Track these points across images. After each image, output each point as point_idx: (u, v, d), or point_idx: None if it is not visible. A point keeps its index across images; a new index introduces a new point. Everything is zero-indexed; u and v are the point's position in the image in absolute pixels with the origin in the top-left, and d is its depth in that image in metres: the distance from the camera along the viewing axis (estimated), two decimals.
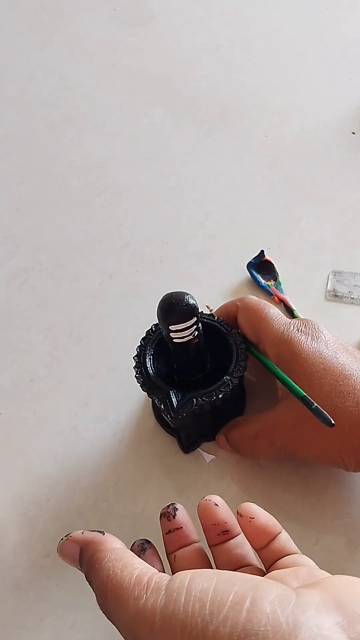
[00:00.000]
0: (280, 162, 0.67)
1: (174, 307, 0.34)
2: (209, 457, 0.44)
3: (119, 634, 0.37)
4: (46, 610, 0.39)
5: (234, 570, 0.29)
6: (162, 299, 0.35)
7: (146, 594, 0.23)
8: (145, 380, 0.38)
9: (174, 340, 0.36)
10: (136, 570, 0.24)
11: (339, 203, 0.63)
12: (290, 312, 0.53)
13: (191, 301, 0.35)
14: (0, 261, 0.59)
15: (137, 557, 0.26)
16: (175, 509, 0.31)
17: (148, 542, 0.32)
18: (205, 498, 0.30)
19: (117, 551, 0.26)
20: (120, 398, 0.48)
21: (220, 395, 0.36)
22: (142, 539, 0.32)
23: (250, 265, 0.57)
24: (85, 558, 0.26)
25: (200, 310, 0.37)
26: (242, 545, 0.30)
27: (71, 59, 0.81)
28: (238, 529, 0.30)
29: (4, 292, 0.56)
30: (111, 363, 0.51)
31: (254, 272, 0.56)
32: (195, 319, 0.35)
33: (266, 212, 0.62)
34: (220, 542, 0.30)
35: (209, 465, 0.44)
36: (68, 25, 0.86)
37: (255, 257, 0.57)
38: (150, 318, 0.39)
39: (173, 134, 0.71)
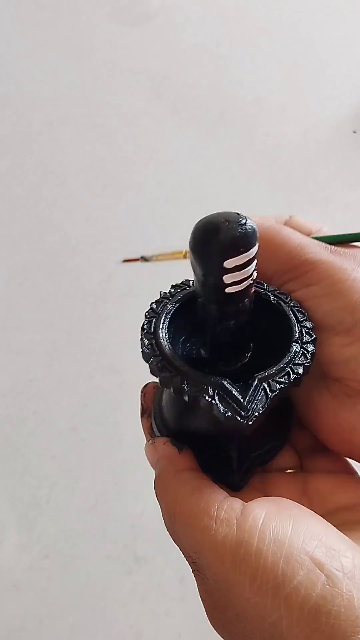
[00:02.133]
0: (281, 161, 0.67)
1: (229, 229, 0.21)
2: None
3: (119, 636, 0.37)
4: (45, 612, 0.39)
5: None
6: (199, 225, 0.22)
7: (215, 524, 0.21)
8: (173, 373, 0.23)
9: (230, 290, 0.22)
10: (205, 495, 0.22)
11: (340, 202, 0.62)
12: None
13: (247, 218, 0.22)
14: None
15: (208, 479, 0.23)
16: None
17: None
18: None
19: (188, 474, 0.24)
20: (120, 398, 0.47)
21: (301, 371, 0.23)
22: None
23: None
24: (157, 470, 0.24)
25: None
26: None
27: (70, 57, 0.81)
28: None
29: (2, 292, 0.56)
30: (111, 363, 0.50)
31: None
32: (257, 245, 0.22)
33: (266, 210, 0.62)
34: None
35: None
36: (67, 24, 0.86)
37: None
38: None
39: (173, 132, 0.71)
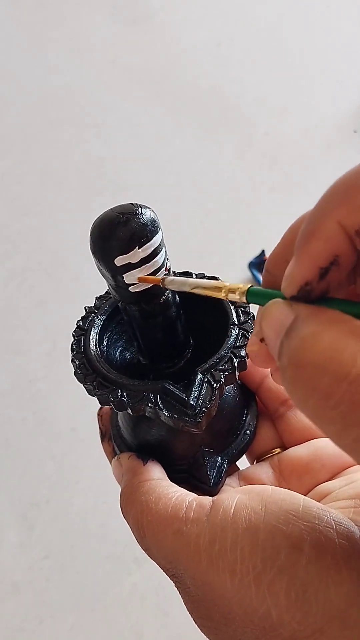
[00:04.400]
0: (281, 161, 0.67)
1: (121, 222, 0.20)
2: None
3: (119, 637, 0.37)
4: (45, 613, 0.39)
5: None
6: (96, 223, 0.20)
7: (185, 527, 0.19)
8: (113, 389, 0.21)
9: (137, 288, 0.21)
10: (171, 499, 0.21)
11: None
12: None
13: (146, 209, 0.20)
14: None
15: (174, 485, 0.22)
16: None
17: None
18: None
19: (150, 483, 0.22)
20: None
21: (243, 353, 0.21)
22: None
23: (252, 265, 0.56)
24: (122, 487, 0.23)
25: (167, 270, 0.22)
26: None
27: (70, 56, 0.81)
28: None
29: (2, 292, 0.56)
30: None
31: (255, 272, 0.56)
32: (161, 234, 0.21)
33: (267, 210, 0.62)
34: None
35: None
36: (68, 23, 0.86)
37: (256, 257, 0.57)
38: None
39: (173, 132, 0.70)
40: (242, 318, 0.22)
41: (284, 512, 0.18)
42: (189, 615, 0.22)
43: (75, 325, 0.24)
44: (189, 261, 0.59)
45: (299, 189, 0.64)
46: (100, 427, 0.26)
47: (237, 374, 0.21)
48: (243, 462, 0.26)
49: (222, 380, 0.20)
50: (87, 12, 0.87)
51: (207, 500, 0.20)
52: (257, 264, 0.57)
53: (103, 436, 0.27)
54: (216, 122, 0.71)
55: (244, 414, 0.26)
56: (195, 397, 0.20)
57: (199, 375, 0.21)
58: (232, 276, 0.57)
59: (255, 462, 0.26)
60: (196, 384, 0.21)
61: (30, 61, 0.80)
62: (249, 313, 0.22)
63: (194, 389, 0.20)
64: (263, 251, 0.57)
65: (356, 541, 0.17)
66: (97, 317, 0.24)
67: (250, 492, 0.20)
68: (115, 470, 0.25)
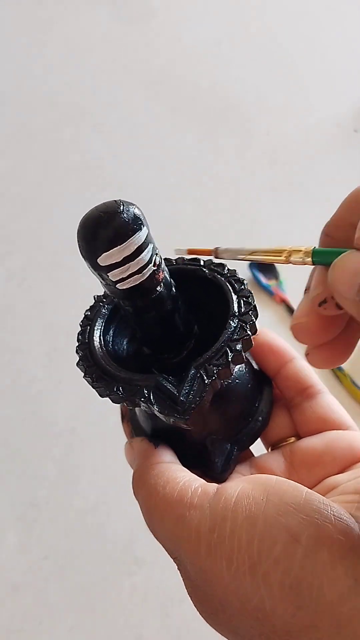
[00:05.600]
0: (282, 160, 0.67)
1: (104, 220, 0.20)
2: None
3: (118, 638, 0.37)
4: (45, 614, 0.38)
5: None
6: (81, 221, 0.21)
7: (188, 512, 0.20)
8: (110, 382, 0.22)
9: (124, 285, 0.20)
10: (179, 484, 0.21)
11: (341, 201, 0.62)
12: (291, 312, 0.53)
13: (130, 206, 0.20)
14: None
15: (185, 470, 0.22)
16: None
17: None
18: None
19: (160, 466, 0.23)
20: None
21: (239, 347, 0.21)
22: None
23: (252, 265, 0.56)
24: (134, 469, 0.24)
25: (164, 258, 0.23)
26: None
27: (70, 55, 0.80)
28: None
29: (2, 292, 0.56)
30: None
31: (256, 272, 0.56)
32: (146, 230, 0.20)
33: (267, 209, 0.62)
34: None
35: None
36: (68, 22, 0.85)
37: None
38: None
39: (173, 131, 0.70)
40: (242, 309, 0.22)
41: (285, 503, 0.18)
42: (191, 612, 0.22)
43: (83, 315, 0.24)
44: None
45: (299, 188, 0.64)
46: (121, 408, 0.27)
47: (232, 367, 0.21)
48: (260, 449, 0.26)
49: (215, 375, 0.20)
50: (86, 11, 0.87)
51: (212, 487, 0.20)
52: (258, 264, 0.57)
53: (123, 417, 0.27)
54: (216, 121, 0.71)
55: (256, 399, 0.25)
56: (186, 393, 0.20)
57: (192, 371, 0.21)
58: None
59: (270, 450, 0.26)
60: (188, 379, 0.21)
61: (29, 60, 0.80)
62: (250, 304, 0.22)
63: (185, 385, 0.21)
64: None
65: (354, 538, 0.17)
66: (104, 306, 0.24)
67: (255, 482, 0.20)
68: (127, 453, 0.25)
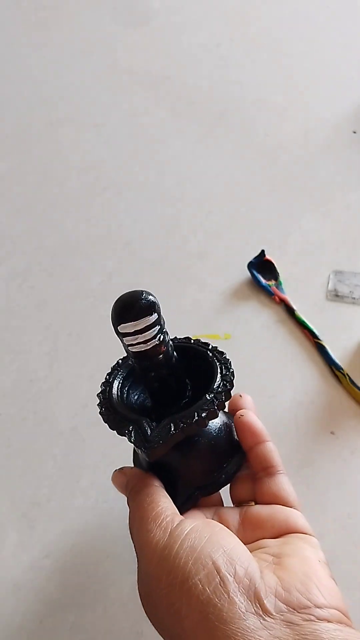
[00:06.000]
0: (281, 161, 0.67)
1: (128, 303, 0.28)
2: None
3: (119, 636, 0.37)
4: (46, 612, 0.39)
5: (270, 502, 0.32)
6: (115, 301, 0.29)
7: (155, 530, 0.27)
8: (110, 413, 0.31)
9: (132, 349, 0.29)
10: (158, 507, 0.28)
11: (340, 202, 0.62)
12: (291, 312, 0.53)
13: (150, 297, 0.28)
14: None
15: (168, 497, 0.30)
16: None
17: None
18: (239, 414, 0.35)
19: (151, 488, 0.30)
20: None
21: (204, 414, 0.28)
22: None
23: (251, 265, 0.57)
24: (129, 487, 0.31)
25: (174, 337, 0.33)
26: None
27: (71, 58, 0.81)
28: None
29: (3, 292, 0.56)
30: (111, 363, 0.50)
31: (255, 272, 0.56)
32: (156, 316, 0.28)
33: (266, 211, 0.62)
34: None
35: None
36: (68, 24, 0.86)
37: (255, 257, 0.57)
38: None
39: (173, 133, 0.71)
40: (220, 389, 0.30)
41: (219, 546, 0.25)
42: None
43: (105, 378, 0.34)
44: (188, 261, 0.60)
45: (299, 189, 0.64)
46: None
47: (195, 427, 0.28)
48: (227, 501, 0.35)
49: (179, 429, 0.28)
50: (87, 13, 0.88)
51: (179, 518, 0.28)
52: (257, 264, 0.57)
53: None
54: (216, 122, 0.72)
55: (225, 461, 0.33)
56: (155, 435, 0.28)
57: (165, 421, 0.29)
58: (232, 276, 0.57)
59: (234, 504, 0.34)
60: (160, 425, 0.29)
61: (30, 62, 0.81)
62: (226, 386, 0.30)
63: (156, 429, 0.29)
64: (263, 251, 0.57)
65: (255, 582, 0.24)
66: (120, 371, 0.34)
67: (207, 524, 0.27)
68: (117, 478, 0.33)
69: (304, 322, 0.52)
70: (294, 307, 0.53)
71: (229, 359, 0.33)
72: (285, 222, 0.61)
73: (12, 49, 0.83)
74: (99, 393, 0.33)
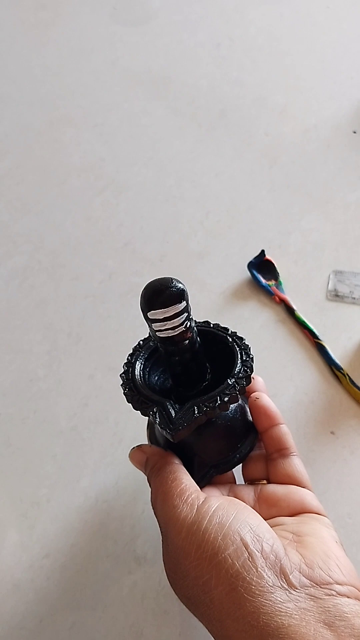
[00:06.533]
0: (281, 161, 0.67)
1: (158, 290, 0.28)
2: None
3: (119, 636, 0.37)
4: (45, 611, 0.39)
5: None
6: (144, 287, 0.29)
7: (182, 506, 0.28)
8: (134, 394, 0.32)
9: (160, 334, 0.30)
10: (182, 484, 0.30)
11: (340, 202, 0.62)
12: (291, 312, 0.53)
13: (179, 285, 0.29)
14: None
15: (188, 474, 0.31)
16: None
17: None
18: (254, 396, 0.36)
19: (173, 466, 0.32)
20: (120, 398, 0.47)
21: (226, 399, 0.30)
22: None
23: (251, 265, 0.57)
24: (149, 465, 0.33)
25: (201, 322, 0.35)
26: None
27: (71, 57, 0.81)
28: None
29: (3, 292, 0.56)
30: (111, 363, 0.50)
31: (255, 272, 0.56)
32: (185, 303, 0.29)
33: (266, 211, 0.62)
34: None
35: None
36: (68, 24, 0.86)
37: (255, 257, 0.57)
38: None
39: (173, 132, 0.71)
40: (241, 374, 0.32)
41: (245, 524, 0.27)
42: (181, 602, 0.30)
43: (126, 359, 0.35)
44: (188, 261, 0.60)
45: (299, 189, 0.64)
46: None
47: (217, 410, 0.30)
48: (239, 479, 0.36)
49: (203, 412, 0.30)
50: (86, 13, 0.87)
51: (203, 495, 0.29)
52: (257, 264, 0.57)
53: (148, 425, 0.39)
54: (216, 122, 0.72)
55: (240, 441, 0.35)
56: (179, 417, 0.30)
57: (188, 404, 0.30)
58: (232, 276, 0.57)
59: (246, 483, 0.36)
60: (184, 408, 0.30)
61: (30, 62, 0.81)
62: (247, 372, 0.32)
63: (180, 412, 0.30)
64: (263, 251, 0.57)
65: (280, 558, 0.26)
66: (142, 353, 0.35)
67: (231, 502, 0.29)
68: (136, 454, 0.35)
69: (304, 322, 0.52)
70: (294, 307, 0.53)
71: (248, 345, 0.34)
72: (285, 222, 0.61)
73: (12, 49, 0.83)
74: (121, 374, 0.33)
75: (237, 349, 0.33)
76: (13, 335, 0.53)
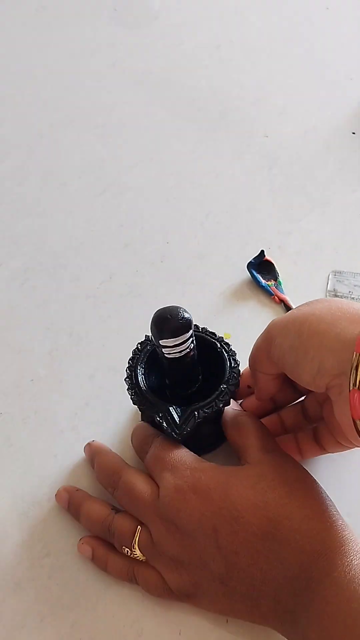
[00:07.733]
0: (281, 162, 0.67)
1: (169, 321, 0.33)
2: None
3: (119, 634, 0.37)
4: (46, 610, 0.39)
5: None
6: (155, 315, 0.34)
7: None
8: (141, 399, 0.37)
9: (168, 356, 0.35)
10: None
11: (339, 203, 0.63)
12: None
13: (186, 315, 0.34)
14: (0, 261, 0.59)
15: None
16: None
17: None
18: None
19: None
20: (120, 398, 0.48)
21: (221, 405, 0.36)
22: None
23: (251, 265, 0.57)
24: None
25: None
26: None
27: (72, 59, 0.81)
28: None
29: (4, 292, 0.56)
30: (111, 363, 0.51)
31: (254, 272, 0.56)
32: (191, 331, 0.34)
33: (266, 212, 0.62)
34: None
35: None
36: (68, 25, 0.86)
37: (255, 257, 0.57)
38: (150, 319, 0.39)
39: (173, 133, 0.71)
40: (230, 381, 0.37)
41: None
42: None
43: (128, 362, 0.40)
44: (188, 261, 0.60)
45: (298, 190, 0.64)
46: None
47: (214, 414, 0.36)
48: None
49: (202, 417, 0.36)
50: (87, 15, 0.88)
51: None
52: (256, 264, 0.57)
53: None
54: (216, 123, 0.72)
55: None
56: (183, 423, 0.35)
57: (190, 410, 0.36)
58: (232, 276, 0.57)
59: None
60: (187, 414, 0.36)
61: (31, 63, 0.81)
62: (235, 377, 0.38)
63: (184, 417, 0.36)
64: (262, 251, 0.57)
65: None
66: (141, 356, 0.40)
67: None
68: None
69: None
70: (294, 307, 0.54)
71: (234, 351, 0.39)
72: (285, 222, 0.61)
73: (12, 49, 0.83)
74: (126, 378, 0.39)
75: (226, 355, 0.39)
76: (14, 336, 0.53)
